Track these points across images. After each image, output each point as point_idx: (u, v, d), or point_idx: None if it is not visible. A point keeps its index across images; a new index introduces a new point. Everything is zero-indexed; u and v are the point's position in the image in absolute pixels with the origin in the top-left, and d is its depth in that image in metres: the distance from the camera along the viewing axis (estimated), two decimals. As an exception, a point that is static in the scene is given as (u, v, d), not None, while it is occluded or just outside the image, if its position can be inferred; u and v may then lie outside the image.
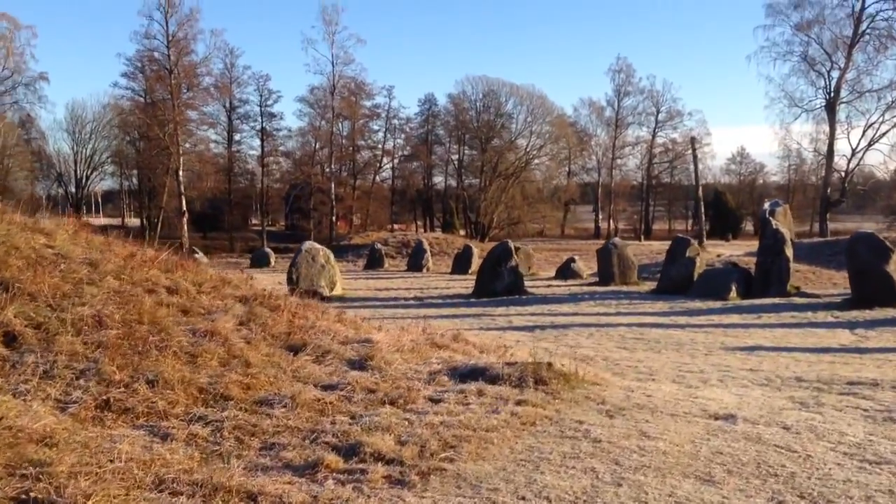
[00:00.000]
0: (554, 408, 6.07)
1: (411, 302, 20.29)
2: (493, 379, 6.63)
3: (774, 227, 19.38)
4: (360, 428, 5.02)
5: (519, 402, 6.04)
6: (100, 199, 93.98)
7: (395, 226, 77.55)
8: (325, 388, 5.84)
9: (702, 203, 44.51)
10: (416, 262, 35.61)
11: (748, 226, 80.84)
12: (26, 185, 70.79)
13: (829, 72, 50.94)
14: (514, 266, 21.36)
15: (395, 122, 74.66)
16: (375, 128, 74.32)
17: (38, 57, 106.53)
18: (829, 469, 4.91)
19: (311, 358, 6.53)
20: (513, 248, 21.64)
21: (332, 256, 21.85)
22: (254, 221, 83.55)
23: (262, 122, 70.16)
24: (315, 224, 66.64)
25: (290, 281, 21.02)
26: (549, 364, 7.06)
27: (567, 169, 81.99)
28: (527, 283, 26.12)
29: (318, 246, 21.76)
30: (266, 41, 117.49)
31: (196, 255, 23.88)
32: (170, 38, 50.53)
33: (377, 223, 72.87)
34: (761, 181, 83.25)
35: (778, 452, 5.22)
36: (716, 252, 40.63)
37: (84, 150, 71.44)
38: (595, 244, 46.94)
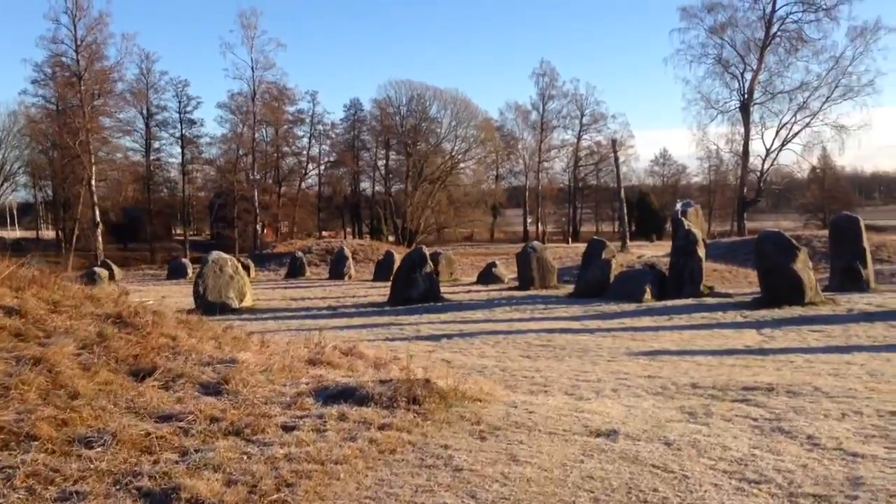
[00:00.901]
0: (421, 431, 5.58)
1: (324, 312, 19.64)
2: (362, 400, 6.11)
3: (686, 227, 19.35)
4: (186, 467, 4.42)
5: (382, 427, 5.53)
6: (15, 212, 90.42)
7: (325, 233, 76.57)
8: (162, 418, 5.22)
9: (625, 205, 44.88)
10: (337, 270, 34.91)
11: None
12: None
13: (742, 73, 52.18)
14: (429, 272, 20.89)
15: (320, 127, 73.79)
16: (300, 133, 73.33)
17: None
18: (705, 491, 4.54)
19: (159, 384, 5.91)
20: (427, 255, 21.14)
21: (240, 267, 21.05)
22: (179, 231, 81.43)
23: (182, 128, 68.54)
24: (240, 233, 65.21)
25: (196, 293, 20.16)
26: (427, 381, 6.57)
27: (495, 173, 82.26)
28: (446, 289, 25.72)
29: (225, 256, 20.93)
30: (183, 45, 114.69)
31: (95, 270, 22.77)
32: (78, 43, 48.70)
33: (304, 230, 71.78)
34: (684, 182, 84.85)
35: (653, 474, 4.83)
36: (639, 253, 41.06)
37: (-7, 160, 68.27)
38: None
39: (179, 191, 71.17)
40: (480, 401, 6.69)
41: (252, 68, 60.84)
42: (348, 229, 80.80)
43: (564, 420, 6.14)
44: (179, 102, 68.46)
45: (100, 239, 50.00)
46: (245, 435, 5.13)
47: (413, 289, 20.54)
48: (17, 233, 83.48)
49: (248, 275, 36.74)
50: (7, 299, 7.30)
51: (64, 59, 50.33)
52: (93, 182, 49.09)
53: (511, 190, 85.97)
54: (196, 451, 4.73)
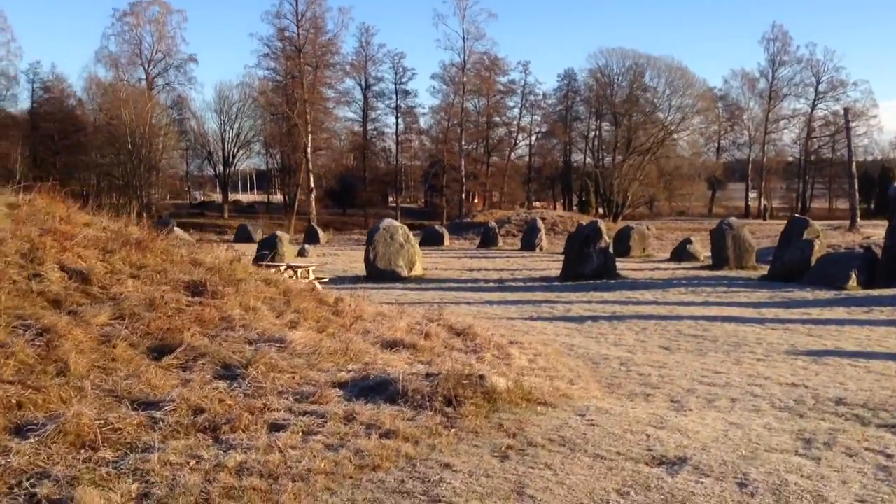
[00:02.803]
0: (433, 442, 4.67)
1: (490, 284, 18.95)
2: (393, 396, 5.30)
3: (907, 206, 16.57)
4: (105, 473, 3.83)
5: (388, 434, 4.69)
6: (254, 177, 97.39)
7: (538, 203, 75.85)
8: (142, 406, 4.70)
9: (855, 180, 40.19)
10: (528, 242, 34.10)
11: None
12: (179, 164, 74.32)
13: None
14: (603, 247, 19.53)
15: (531, 97, 72.66)
16: (511, 104, 72.63)
17: (188, 39, 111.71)
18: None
19: (178, 363, 5.44)
20: (601, 228, 19.76)
21: (411, 235, 20.77)
22: (400, 199, 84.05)
23: (398, 99, 70.05)
24: (448, 201, 66.09)
25: (367, 260, 20.19)
26: (482, 376, 5.63)
27: (717, 145, 77.28)
28: (633, 266, 24.16)
29: (396, 224, 20.75)
30: (398, 18, 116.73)
31: (276, 234, 23.46)
32: (299, 17, 51.04)
33: (515, 201, 71.43)
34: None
35: (692, 528, 3.64)
36: (869, 234, 36.58)
37: (231, 130, 73.68)
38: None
39: (394, 160, 73.13)
40: (544, 404, 5.67)
41: (463, 39, 61.10)
42: (559, 201, 79.49)
43: (629, 439, 4.98)
44: (396, 74, 70.03)
45: (313, 204, 52.48)
46: (220, 433, 4.50)
47: (586, 264, 19.30)
48: (253, 197, 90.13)
49: (443, 243, 37.11)
50: (87, 261, 7.19)
51: (287, 32, 53.02)
52: (308, 150, 51.44)
53: (734, 163, 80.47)
54: (144, 450, 4.15)
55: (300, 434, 4.59)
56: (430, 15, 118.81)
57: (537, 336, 10.53)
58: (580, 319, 12.38)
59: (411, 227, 45.32)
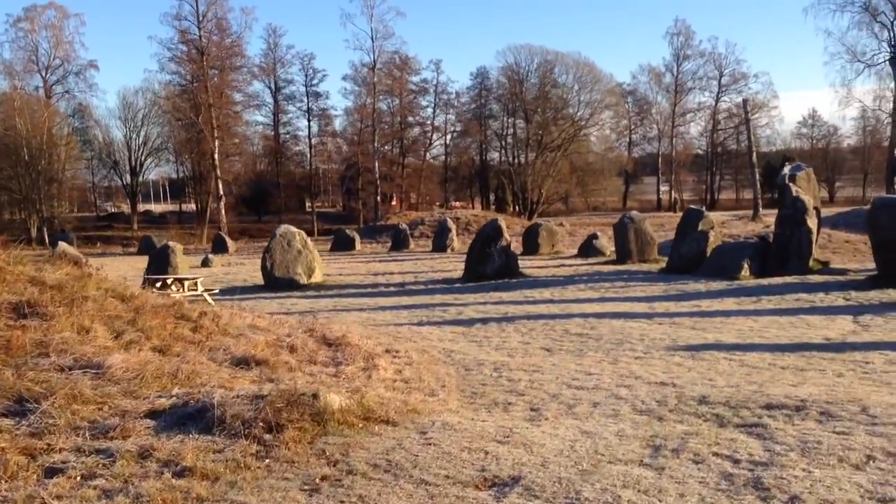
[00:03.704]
0: (232, 479, 4.17)
1: (391, 289, 18.51)
2: (209, 425, 4.80)
3: (794, 194, 16.82)
4: None
5: (182, 472, 4.18)
6: (167, 187, 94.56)
7: (457, 203, 75.65)
8: None
9: (756, 170, 41.11)
10: (440, 243, 33.82)
11: (822, 193, 75.96)
12: (85, 175, 71.49)
13: (893, 22, 46.56)
14: (505, 246, 19.30)
15: (444, 97, 72.43)
16: (424, 104, 72.26)
17: (88, 45, 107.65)
18: None
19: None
20: (502, 228, 19.53)
21: (309, 241, 20.16)
22: (318, 203, 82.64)
23: (309, 102, 68.91)
24: (364, 204, 65.36)
25: (263, 269, 19.51)
26: (315, 396, 5.18)
27: (628, 139, 78.55)
28: (539, 263, 24.07)
29: (294, 230, 20.10)
30: (305, 17, 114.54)
31: (167, 247, 22.59)
32: (200, 19, 49.61)
33: (433, 202, 71.09)
34: (835, 145, 77.78)
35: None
36: (768, 223, 37.48)
37: (137, 138, 71.18)
38: (657, 217, 44.18)
39: (308, 164, 71.90)
40: (386, 422, 5.27)
41: (372, 38, 60.42)
42: (477, 200, 79.50)
43: (464, 459, 4.62)
44: (306, 76, 68.84)
45: (223, 211, 51.07)
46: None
47: (487, 264, 19.05)
48: (164, 207, 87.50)
49: (354, 247, 36.45)
50: None
51: (189, 34, 51.38)
52: (216, 156, 50.03)
53: (646, 157, 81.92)
54: None
55: (78, 478, 4.06)
56: (338, 14, 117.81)
57: (420, 342, 10.16)
58: (470, 322, 12.06)
59: (327, 232, 44.38)
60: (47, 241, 46.15)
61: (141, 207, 77.64)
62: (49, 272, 8.68)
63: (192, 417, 4.96)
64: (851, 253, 24.82)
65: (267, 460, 4.42)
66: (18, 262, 8.74)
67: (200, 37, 50.19)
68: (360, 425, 5.08)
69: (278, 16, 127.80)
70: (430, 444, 4.82)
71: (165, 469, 4.23)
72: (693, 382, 6.96)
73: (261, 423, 4.75)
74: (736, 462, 4.59)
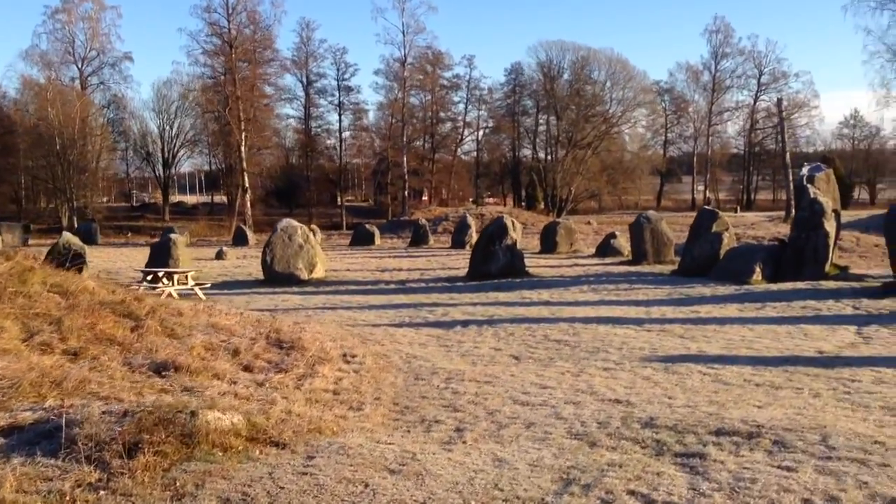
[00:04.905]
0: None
1: (391, 287, 17.98)
2: (56, 448, 4.28)
3: (812, 196, 15.95)
4: None
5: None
6: (201, 179, 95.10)
7: (489, 199, 74.97)
8: None
9: (791, 170, 39.83)
10: (459, 239, 33.21)
11: (863, 194, 73.90)
12: (119, 165, 72.14)
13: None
14: (510, 244, 18.70)
15: (477, 92, 71.69)
16: (456, 99, 71.58)
17: (123, 37, 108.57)
18: None
19: None
20: (507, 225, 18.90)
21: (311, 236, 19.73)
22: (349, 197, 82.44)
23: (340, 96, 68.63)
24: (393, 199, 64.93)
25: (264, 264, 19.12)
26: (193, 413, 4.65)
27: (663, 138, 77.09)
28: (552, 263, 23.40)
29: (295, 224, 19.70)
30: (336, 11, 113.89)
31: (170, 237, 22.29)
32: (230, 11, 49.55)
33: (464, 197, 70.51)
34: (877, 146, 75.38)
35: None
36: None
37: (171, 130, 71.52)
38: (688, 217, 42.87)
39: (338, 158, 71.65)
40: (277, 444, 4.76)
41: (403, 33, 59.99)
42: (508, 196, 78.66)
43: (335, 493, 4.08)
44: (338, 70, 68.54)
45: (248, 204, 50.98)
46: None
47: (491, 263, 18.45)
48: (197, 199, 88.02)
49: (373, 242, 35.97)
50: None
51: (218, 27, 51.34)
52: (243, 148, 49.92)
53: (682, 156, 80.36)
54: None
55: None
56: (369, 8, 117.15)
57: (387, 346, 9.63)
58: (450, 325, 11.50)
59: (355, 226, 43.90)
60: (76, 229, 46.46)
61: (175, 199, 78.13)
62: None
63: (47, 436, 4.45)
64: (879, 258, 23.79)
65: (101, 492, 3.88)
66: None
67: (230, 29, 50.10)
68: (241, 447, 4.54)
69: (310, 9, 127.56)
70: (305, 474, 4.26)
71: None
72: (649, 401, 6.34)
73: (115, 446, 4.24)
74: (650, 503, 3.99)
